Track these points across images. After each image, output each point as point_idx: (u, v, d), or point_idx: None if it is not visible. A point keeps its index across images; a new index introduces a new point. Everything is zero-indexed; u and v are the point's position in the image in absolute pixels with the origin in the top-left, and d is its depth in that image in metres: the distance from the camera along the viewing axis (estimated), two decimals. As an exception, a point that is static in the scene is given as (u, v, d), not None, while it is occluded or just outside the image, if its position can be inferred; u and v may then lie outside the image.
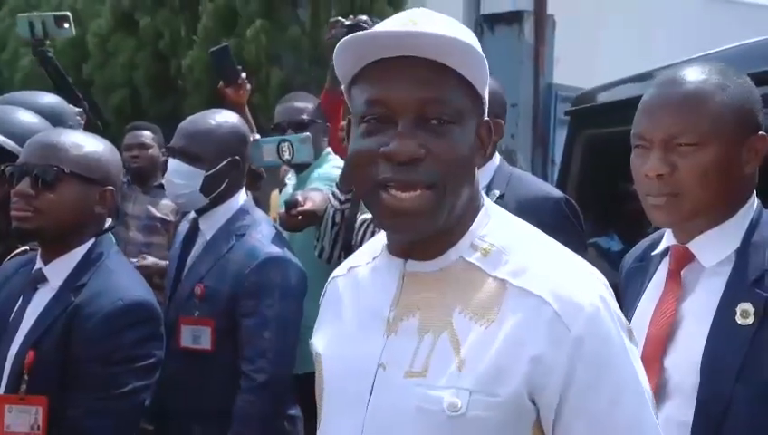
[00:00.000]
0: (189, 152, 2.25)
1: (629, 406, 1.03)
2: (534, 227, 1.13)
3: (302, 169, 2.85)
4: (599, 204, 3.00)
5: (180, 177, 2.26)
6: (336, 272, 1.27)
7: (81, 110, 2.60)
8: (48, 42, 2.83)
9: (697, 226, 1.38)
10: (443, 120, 1.03)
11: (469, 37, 1.06)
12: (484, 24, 6.78)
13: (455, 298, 1.06)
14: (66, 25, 2.80)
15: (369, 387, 1.08)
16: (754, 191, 1.41)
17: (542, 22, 6.67)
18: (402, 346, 1.07)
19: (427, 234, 1.06)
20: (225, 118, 2.33)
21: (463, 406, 1.01)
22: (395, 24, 1.07)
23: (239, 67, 3.16)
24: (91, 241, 1.87)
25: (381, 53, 1.03)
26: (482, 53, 1.04)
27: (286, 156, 2.46)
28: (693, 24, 12.53)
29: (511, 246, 1.07)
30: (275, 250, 2.23)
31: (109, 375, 1.75)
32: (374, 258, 1.17)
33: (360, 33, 1.04)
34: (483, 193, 1.14)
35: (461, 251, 1.08)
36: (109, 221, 1.93)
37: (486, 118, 1.10)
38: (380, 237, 1.17)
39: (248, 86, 3.16)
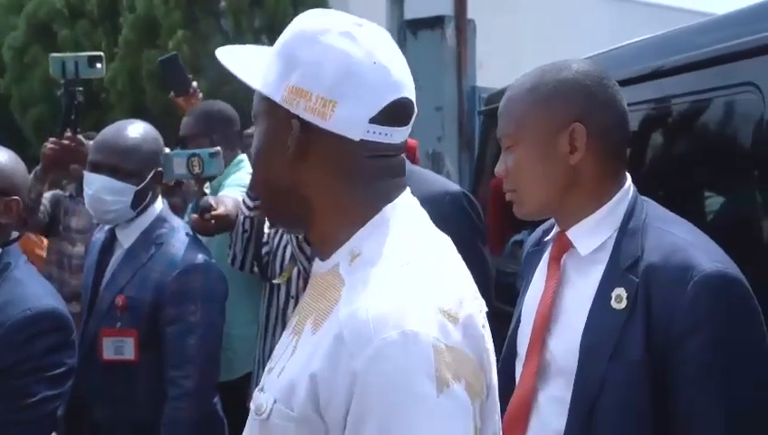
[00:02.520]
0: (121, 169, 2.23)
1: None
2: (425, 240, 1.04)
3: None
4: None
5: (111, 193, 2.23)
6: None
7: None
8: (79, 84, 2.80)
9: (567, 214, 1.46)
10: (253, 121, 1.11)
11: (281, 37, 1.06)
12: (408, 29, 6.87)
13: (315, 304, 1.03)
14: (98, 65, 2.78)
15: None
16: (628, 178, 1.48)
17: (463, 26, 6.79)
18: (281, 345, 1.08)
19: (269, 220, 1.11)
20: (146, 130, 2.32)
21: (266, 411, 0.99)
22: None
23: (190, 76, 3.13)
24: None
25: None
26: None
27: (196, 170, 2.46)
28: (612, 24, 12.90)
29: (372, 258, 0.99)
30: (196, 257, 2.24)
31: (18, 385, 1.73)
32: None
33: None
34: (385, 204, 1.05)
35: (340, 258, 1.03)
36: (15, 233, 1.90)
37: (296, 119, 1.01)
38: None
39: (200, 95, 3.13)
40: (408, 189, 1.08)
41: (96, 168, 2.25)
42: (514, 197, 1.49)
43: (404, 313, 0.93)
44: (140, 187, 2.25)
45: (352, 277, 0.99)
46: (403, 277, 0.96)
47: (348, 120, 1.00)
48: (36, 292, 1.83)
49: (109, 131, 2.31)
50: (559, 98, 1.42)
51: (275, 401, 0.99)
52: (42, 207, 3.20)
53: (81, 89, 2.79)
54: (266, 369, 1.09)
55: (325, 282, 1.03)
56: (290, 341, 1.05)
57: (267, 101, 1.04)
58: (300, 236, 2.29)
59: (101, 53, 2.85)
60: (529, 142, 1.44)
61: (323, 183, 1.03)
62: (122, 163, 2.23)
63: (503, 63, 9.62)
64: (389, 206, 1.04)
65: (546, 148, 1.42)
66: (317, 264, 1.09)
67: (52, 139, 2.82)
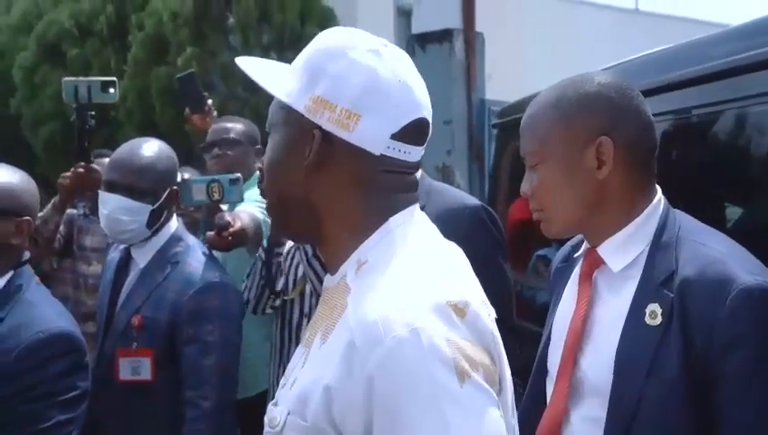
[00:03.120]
0: (137, 188, 2.21)
1: None
2: (427, 245, 1.05)
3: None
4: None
5: (127, 213, 2.21)
6: None
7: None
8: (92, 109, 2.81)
9: (595, 231, 1.43)
10: (267, 132, 1.11)
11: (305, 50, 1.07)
12: (416, 43, 6.87)
13: (324, 316, 1.04)
14: (111, 90, 2.78)
15: None
16: (658, 191, 1.45)
17: (472, 39, 6.79)
18: (294, 359, 1.09)
19: (278, 232, 1.13)
20: (161, 148, 2.31)
21: (280, 424, 0.99)
22: None
23: (205, 94, 3.14)
24: (10, 274, 1.83)
25: None
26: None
27: (216, 196, 2.45)
28: (620, 35, 12.90)
29: (377, 264, 1.00)
30: (212, 276, 2.22)
31: (32, 410, 1.71)
32: None
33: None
34: (391, 214, 1.06)
35: (347, 268, 1.04)
36: (27, 254, 1.89)
37: (318, 129, 1.02)
38: None
39: (215, 113, 3.15)
40: (417, 204, 1.09)
41: (111, 187, 2.24)
42: (542, 216, 1.45)
43: (411, 310, 0.93)
44: (156, 206, 2.23)
45: (358, 284, 1.00)
46: (409, 278, 0.97)
47: (370, 134, 1.02)
48: (48, 314, 1.81)
49: (123, 150, 2.29)
50: (583, 112, 1.39)
51: (289, 413, 0.99)
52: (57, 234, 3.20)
53: (92, 113, 2.79)
54: (280, 384, 1.09)
55: (334, 294, 1.04)
56: (301, 354, 1.06)
57: (287, 110, 1.06)
58: (310, 253, 2.28)
59: (114, 79, 2.85)
60: (554, 160, 1.40)
61: (337, 194, 1.04)
62: (138, 182, 2.22)
63: (511, 75, 9.62)
64: (397, 216, 1.05)
65: (572, 164, 1.39)
66: (327, 279, 1.10)
67: (65, 174, 2.82)
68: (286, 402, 1.01)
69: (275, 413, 1.01)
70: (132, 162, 2.24)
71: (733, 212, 2.14)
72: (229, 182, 2.45)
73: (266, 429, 1.04)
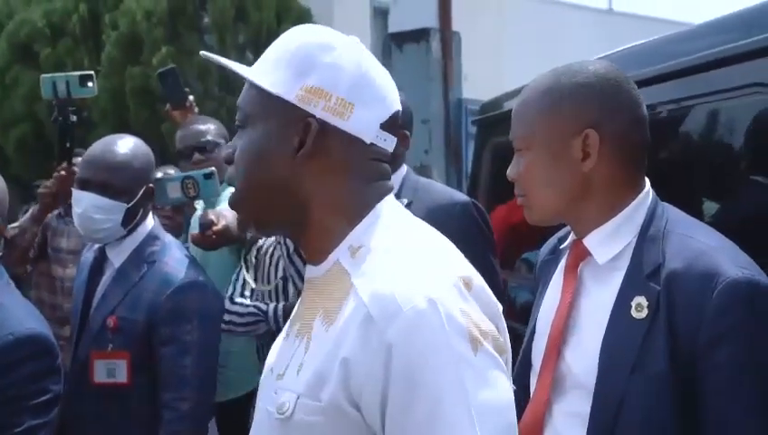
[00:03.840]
0: (111, 186, 2.15)
1: (449, 427, 0.93)
2: (422, 229, 1.09)
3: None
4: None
5: (101, 212, 2.15)
6: None
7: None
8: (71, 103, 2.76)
9: (582, 221, 1.42)
10: (239, 126, 1.11)
11: (275, 44, 1.11)
12: (392, 42, 6.86)
13: (321, 301, 1.06)
14: (90, 84, 2.72)
15: (262, 392, 1.13)
16: (647, 183, 1.44)
17: (449, 38, 6.79)
18: (284, 351, 1.10)
19: (250, 226, 1.13)
20: (136, 145, 2.24)
21: (289, 409, 1.01)
22: None
23: (186, 90, 3.08)
24: None
25: None
26: (266, 56, 1.09)
27: (192, 193, 2.40)
28: (594, 35, 13.00)
29: (376, 247, 1.03)
30: (191, 275, 2.17)
31: (2, 415, 1.65)
32: None
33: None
34: (377, 199, 1.09)
35: (339, 254, 1.07)
36: None
37: (312, 118, 1.05)
38: None
39: (196, 109, 3.09)
40: (393, 193, 1.14)
41: (85, 185, 2.17)
42: (524, 202, 1.45)
43: (425, 281, 0.97)
44: (131, 204, 2.18)
45: (360, 266, 1.02)
46: (416, 256, 1.02)
47: (364, 123, 1.07)
48: (19, 315, 1.75)
49: (97, 147, 2.23)
50: (573, 103, 1.38)
51: (299, 397, 1.00)
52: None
53: (73, 108, 2.74)
54: (272, 376, 1.09)
55: (326, 281, 1.07)
56: (297, 343, 1.06)
57: (269, 100, 1.07)
58: (291, 249, 2.25)
59: (92, 72, 2.79)
60: (541, 147, 1.40)
61: (327, 182, 1.07)
62: (112, 180, 2.16)
63: (487, 76, 9.64)
64: (382, 202, 1.09)
65: (558, 154, 1.38)
66: (310, 270, 1.11)
67: (46, 183, 2.76)
68: (294, 387, 1.02)
69: (282, 400, 1.02)
70: (106, 159, 2.18)
71: (701, 207, 2.15)
72: (204, 177, 2.40)
73: (266, 419, 1.05)
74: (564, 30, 13.57)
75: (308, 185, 1.07)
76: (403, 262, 1.00)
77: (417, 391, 0.93)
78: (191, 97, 3.06)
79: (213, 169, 2.46)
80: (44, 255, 3.31)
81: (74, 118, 2.75)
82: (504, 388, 0.99)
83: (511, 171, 1.45)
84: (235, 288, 2.51)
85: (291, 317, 1.15)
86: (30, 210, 2.81)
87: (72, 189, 2.23)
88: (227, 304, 2.41)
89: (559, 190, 1.40)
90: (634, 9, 16.49)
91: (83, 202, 2.17)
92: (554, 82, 1.41)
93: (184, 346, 2.10)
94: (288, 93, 1.06)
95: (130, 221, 2.20)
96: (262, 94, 1.08)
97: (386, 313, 0.95)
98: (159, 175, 2.34)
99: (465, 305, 0.98)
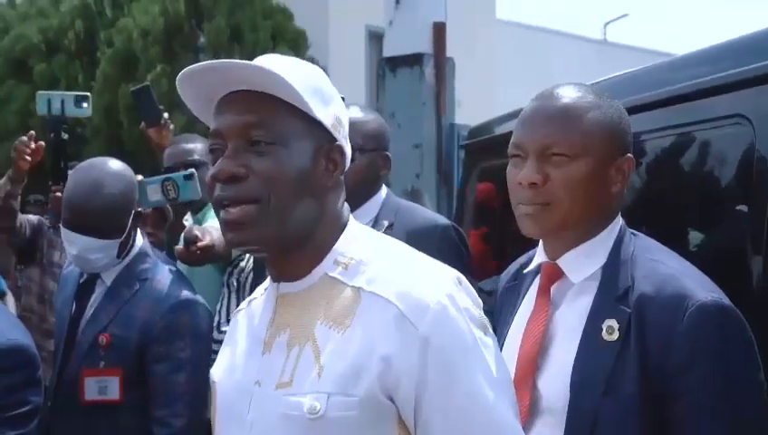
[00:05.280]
0: (103, 230, 2.14)
1: (486, 400, 1.07)
2: (395, 241, 1.21)
3: (195, 208, 2.81)
4: (499, 234, 3.06)
5: (95, 251, 2.15)
6: (240, 306, 1.34)
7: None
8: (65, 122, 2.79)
9: (565, 241, 1.41)
10: (266, 142, 1.11)
11: (297, 71, 1.13)
12: (386, 66, 6.91)
13: (317, 311, 1.13)
14: (85, 105, 2.75)
15: (248, 404, 1.15)
16: (619, 211, 1.46)
17: (442, 64, 6.84)
18: (274, 362, 1.14)
19: (261, 244, 1.13)
20: (117, 174, 2.20)
21: (322, 408, 1.07)
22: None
23: (161, 107, 3.07)
24: None
25: (217, 90, 1.14)
26: (295, 82, 1.09)
27: (171, 194, 2.40)
28: (583, 66, 13.13)
29: (369, 258, 1.15)
30: (183, 293, 2.18)
31: None
32: (266, 289, 1.25)
33: (181, 73, 1.15)
34: (349, 215, 1.22)
35: (325, 268, 1.16)
36: None
37: (338, 142, 1.18)
38: None
39: (171, 126, 3.08)
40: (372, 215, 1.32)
41: (75, 228, 2.14)
42: (540, 210, 1.38)
43: (440, 282, 1.11)
44: (124, 237, 2.18)
45: (361, 275, 1.12)
46: (414, 261, 1.15)
47: (348, 146, 1.22)
48: (1, 326, 1.74)
49: (81, 191, 2.14)
50: (624, 124, 1.41)
51: (329, 396, 1.07)
52: (20, 222, 3.14)
53: (65, 126, 2.76)
54: (266, 387, 1.12)
55: (313, 293, 1.14)
56: (296, 351, 1.12)
57: (308, 124, 1.14)
58: None
59: (88, 94, 2.82)
60: (592, 159, 1.36)
61: (333, 198, 1.18)
62: (102, 225, 2.14)
63: (479, 102, 9.70)
64: (352, 216, 1.22)
65: (603, 169, 1.38)
66: (285, 287, 1.17)
67: (22, 139, 2.77)
68: (318, 389, 1.07)
69: (311, 402, 1.07)
70: (95, 205, 2.13)
71: (681, 234, 2.18)
72: (183, 178, 2.40)
73: (294, 420, 1.08)
74: (556, 58, 13.69)
75: (327, 201, 1.17)
76: (411, 266, 1.13)
77: (454, 375, 1.06)
78: (165, 114, 3.05)
79: (192, 170, 2.46)
80: (34, 259, 3.32)
81: (65, 136, 2.77)
82: (506, 365, 1.15)
83: (532, 176, 1.37)
84: (221, 316, 2.51)
85: (249, 333, 1.20)
86: (6, 174, 2.87)
87: (63, 229, 2.18)
88: (215, 334, 2.41)
89: (587, 206, 1.38)
90: (627, 40, 16.66)
91: (77, 245, 2.15)
92: (603, 100, 1.41)
93: (178, 363, 2.11)
94: (326, 120, 1.16)
95: (124, 249, 2.21)
96: (302, 117, 1.13)
97: (417, 309, 1.07)
98: (140, 178, 2.33)
99: (467, 299, 1.12)
